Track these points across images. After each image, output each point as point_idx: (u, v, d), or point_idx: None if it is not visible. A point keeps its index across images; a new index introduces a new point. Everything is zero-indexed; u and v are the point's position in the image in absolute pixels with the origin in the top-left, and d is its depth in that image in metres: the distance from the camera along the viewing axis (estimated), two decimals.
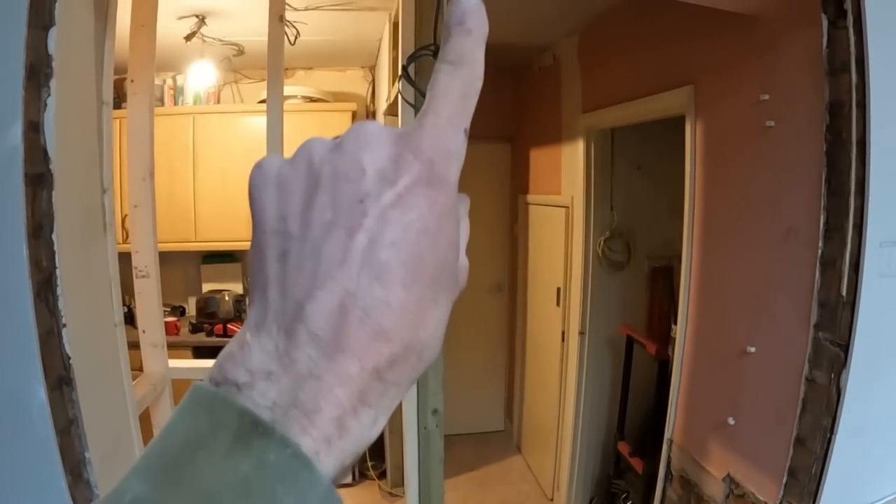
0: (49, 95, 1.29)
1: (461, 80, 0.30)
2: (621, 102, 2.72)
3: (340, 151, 0.28)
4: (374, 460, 3.97)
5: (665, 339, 3.11)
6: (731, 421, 1.95)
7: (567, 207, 3.36)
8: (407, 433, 2.04)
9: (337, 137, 0.30)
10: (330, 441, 0.26)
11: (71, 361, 1.22)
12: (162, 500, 0.24)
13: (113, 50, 1.56)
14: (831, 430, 1.56)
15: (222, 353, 0.29)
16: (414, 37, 1.78)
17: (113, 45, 1.56)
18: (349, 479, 3.84)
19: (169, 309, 4.23)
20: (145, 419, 3.15)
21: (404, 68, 1.73)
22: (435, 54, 1.77)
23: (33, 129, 1.25)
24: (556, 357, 3.57)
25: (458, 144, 0.30)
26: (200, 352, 3.91)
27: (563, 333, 3.46)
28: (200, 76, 3.57)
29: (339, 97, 4.13)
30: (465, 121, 0.30)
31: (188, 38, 2.87)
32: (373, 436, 0.28)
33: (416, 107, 1.78)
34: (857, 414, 1.53)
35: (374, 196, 0.27)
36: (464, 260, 0.32)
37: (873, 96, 1.40)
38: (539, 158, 3.91)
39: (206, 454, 0.25)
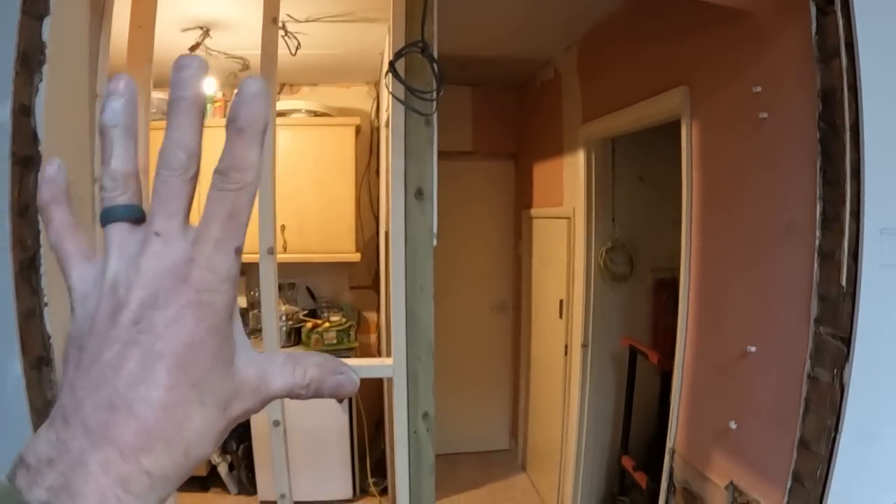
0: (41, 80, 1.30)
1: (230, 197, 0.33)
2: (619, 109, 2.71)
3: (125, 283, 0.33)
4: (376, 477, 3.90)
5: (669, 352, 3.06)
6: (732, 425, 1.91)
7: (569, 219, 3.35)
8: (397, 439, 1.99)
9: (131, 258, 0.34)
10: None
11: (51, 341, 1.21)
12: None
13: (108, 45, 1.58)
14: (836, 429, 1.51)
15: (29, 438, 0.31)
16: (404, 34, 1.79)
17: (108, 40, 1.58)
18: (349, 495, 3.77)
19: None
20: None
21: (391, 64, 1.74)
22: (422, 51, 1.78)
23: (24, 112, 1.26)
24: (559, 371, 3.52)
25: (226, 269, 0.33)
26: None
27: (566, 347, 3.42)
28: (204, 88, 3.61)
29: (343, 112, 4.16)
30: (236, 240, 0.33)
31: (192, 49, 2.91)
32: None
33: (406, 103, 1.79)
34: (862, 412, 1.48)
35: (148, 318, 0.31)
36: (251, 381, 0.35)
37: (864, 80, 1.39)
38: (542, 172, 3.91)
39: None
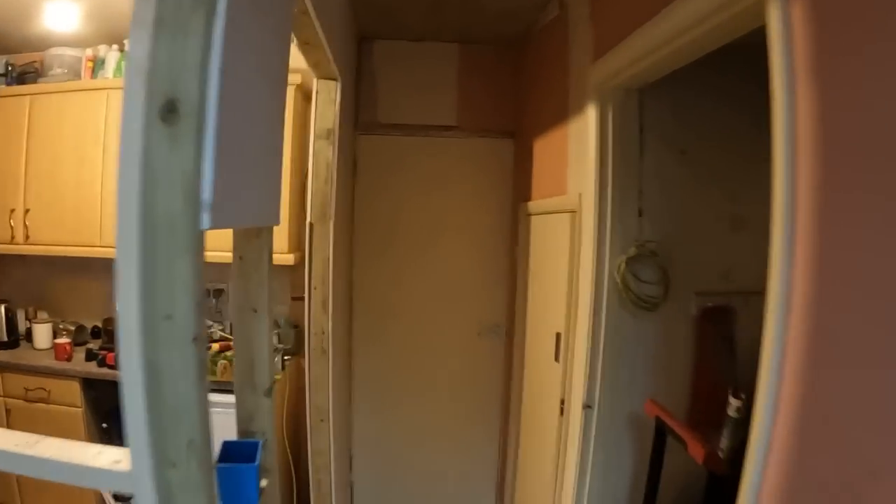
0: None
1: None
2: (648, 20, 1.62)
3: None
4: None
5: (717, 422, 1.98)
6: None
7: (573, 212, 2.25)
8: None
9: None
10: None
11: None
12: None
13: None
14: None
15: None
16: None
17: None
18: None
19: (73, 328, 3.28)
20: None
21: None
22: None
23: None
24: (552, 435, 2.41)
25: None
26: (91, 385, 2.97)
27: (561, 403, 2.31)
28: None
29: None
30: None
31: None
32: None
33: None
34: None
35: None
36: None
37: None
38: (543, 149, 2.81)
39: None
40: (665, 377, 2.21)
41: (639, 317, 2.13)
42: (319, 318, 2.44)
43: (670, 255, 2.14)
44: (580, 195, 2.17)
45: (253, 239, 1.27)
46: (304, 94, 3.06)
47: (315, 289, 2.42)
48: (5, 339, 3.17)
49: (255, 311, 1.30)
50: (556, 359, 2.38)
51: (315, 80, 2.42)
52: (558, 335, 2.36)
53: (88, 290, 3.50)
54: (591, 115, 2.05)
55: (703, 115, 2.22)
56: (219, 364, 2.76)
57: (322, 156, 2.40)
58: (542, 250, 2.77)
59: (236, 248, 1.27)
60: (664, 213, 2.14)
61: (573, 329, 2.21)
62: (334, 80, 2.39)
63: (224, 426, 2.57)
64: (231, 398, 2.31)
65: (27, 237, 3.11)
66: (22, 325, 3.32)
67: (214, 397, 2.70)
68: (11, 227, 3.11)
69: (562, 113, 2.44)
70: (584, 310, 2.09)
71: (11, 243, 3.13)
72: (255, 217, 1.12)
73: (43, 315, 3.40)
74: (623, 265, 2.02)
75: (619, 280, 2.02)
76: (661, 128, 2.16)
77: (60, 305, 3.52)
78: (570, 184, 2.32)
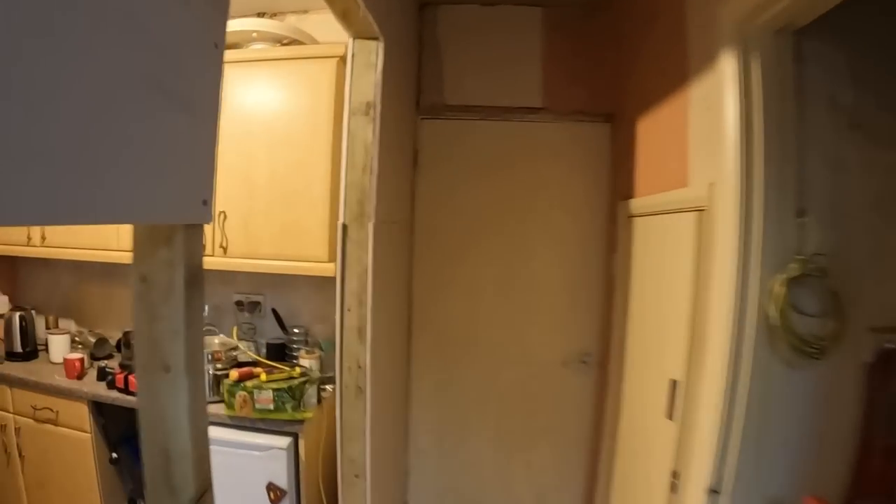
0: None
1: None
2: None
3: None
4: None
5: None
6: None
7: (701, 210, 1.60)
8: None
9: None
10: None
11: None
12: None
13: None
14: None
15: None
16: None
17: None
18: None
19: (93, 340, 2.95)
20: None
21: None
22: None
23: None
24: None
25: None
26: (100, 409, 2.59)
27: (673, 477, 1.66)
28: None
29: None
30: None
31: None
32: None
33: None
34: None
35: None
36: None
37: None
38: (651, 130, 2.16)
39: None
40: (820, 447, 1.52)
41: (795, 365, 1.46)
42: (354, 349, 1.91)
43: (848, 276, 1.46)
44: (711, 186, 1.52)
45: (159, 247, 0.73)
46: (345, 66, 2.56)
47: (349, 311, 1.89)
48: (20, 349, 2.84)
49: (168, 371, 0.76)
50: (670, 416, 1.73)
51: (350, 42, 1.89)
52: (673, 383, 1.71)
53: (119, 298, 3.15)
54: (727, 68, 1.41)
55: (890, 72, 1.53)
56: (237, 396, 2.28)
57: (359, 136, 1.87)
58: (650, 262, 2.12)
59: (136, 263, 0.75)
60: (835, 214, 1.47)
61: (697, 378, 1.56)
62: (374, 39, 1.86)
63: (243, 468, 2.11)
64: (251, 437, 1.91)
65: (43, 239, 2.78)
66: (43, 335, 3.00)
67: (230, 434, 2.17)
68: (28, 229, 2.79)
69: (678, 76, 1.80)
70: (718, 352, 1.44)
71: (28, 245, 2.81)
72: (125, 209, 0.58)
73: (67, 324, 3.07)
74: (783, 290, 1.36)
75: (774, 312, 1.36)
76: (829, 88, 1.48)
77: (89, 314, 3.19)
78: (694, 172, 1.67)
